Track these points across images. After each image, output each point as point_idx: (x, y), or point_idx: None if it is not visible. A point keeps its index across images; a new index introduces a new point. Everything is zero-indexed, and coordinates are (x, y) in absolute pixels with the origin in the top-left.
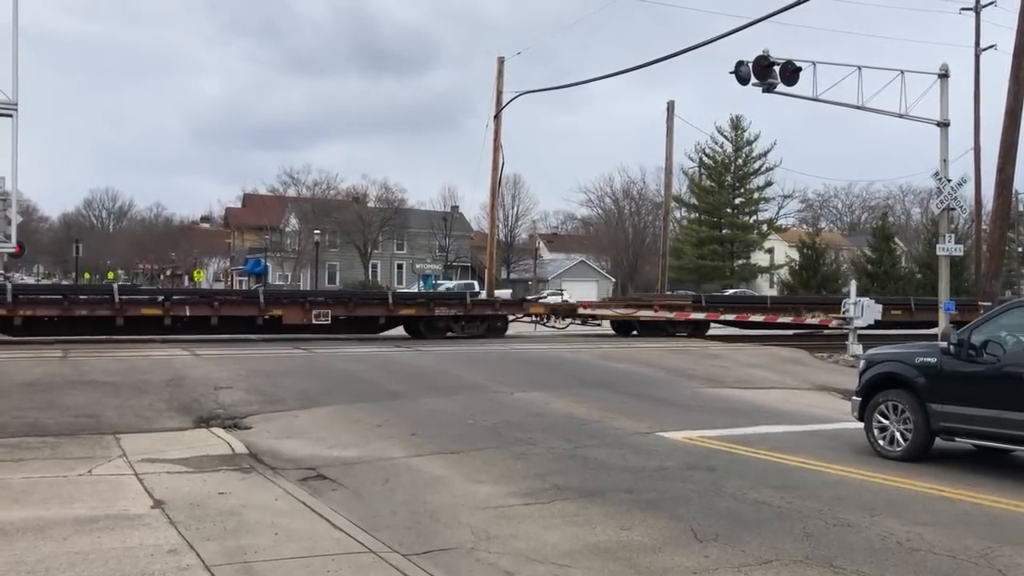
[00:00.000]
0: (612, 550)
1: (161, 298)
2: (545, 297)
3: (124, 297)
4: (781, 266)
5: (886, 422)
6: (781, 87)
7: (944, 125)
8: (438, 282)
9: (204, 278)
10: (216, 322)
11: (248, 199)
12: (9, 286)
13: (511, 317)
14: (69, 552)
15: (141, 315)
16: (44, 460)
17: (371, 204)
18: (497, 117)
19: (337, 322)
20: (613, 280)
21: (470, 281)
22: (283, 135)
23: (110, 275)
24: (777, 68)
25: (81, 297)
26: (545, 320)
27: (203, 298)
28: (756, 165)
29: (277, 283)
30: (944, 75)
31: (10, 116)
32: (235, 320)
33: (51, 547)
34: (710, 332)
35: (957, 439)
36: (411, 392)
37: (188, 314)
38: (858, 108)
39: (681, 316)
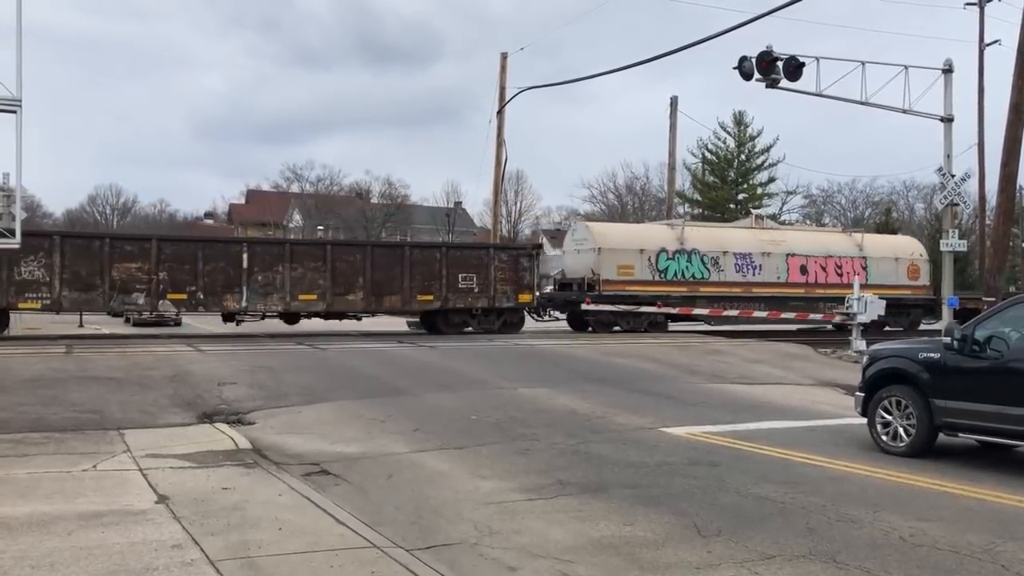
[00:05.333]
0: (615, 545)
1: None
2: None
3: None
4: None
5: (889, 418)
6: (784, 83)
7: (948, 120)
8: None
9: None
10: None
11: (251, 195)
12: None
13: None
14: (73, 547)
15: None
16: (48, 456)
17: (374, 200)
18: (500, 113)
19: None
20: None
21: None
22: (286, 130)
23: None
24: (780, 64)
25: None
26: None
27: None
28: (759, 161)
29: None
30: (948, 70)
31: (14, 112)
32: None
33: (56, 542)
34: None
35: (960, 435)
36: (414, 388)
37: None
38: (862, 104)
39: (684, 311)
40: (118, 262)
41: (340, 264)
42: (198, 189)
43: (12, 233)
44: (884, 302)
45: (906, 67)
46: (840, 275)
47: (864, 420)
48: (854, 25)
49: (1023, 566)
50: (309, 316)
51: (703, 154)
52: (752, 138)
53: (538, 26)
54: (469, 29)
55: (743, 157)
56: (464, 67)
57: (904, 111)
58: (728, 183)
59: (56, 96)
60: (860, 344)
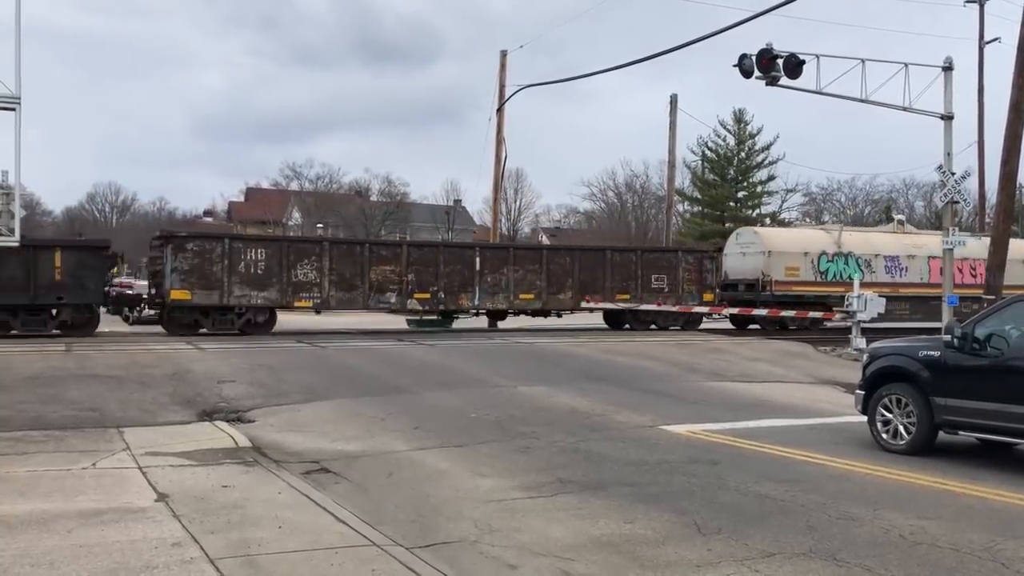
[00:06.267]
0: (615, 543)
1: None
2: None
3: None
4: None
5: (890, 416)
6: (784, 80)
7: (948, 118)
8: None
9: None
10: None
11: (251, 193)
12: None
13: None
14: (73, 545)
15: None
16: (48, 453)
17: (374, 198)
18: (500, 111)
19: None
20: None
21: None
22: (285, 128)
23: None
24: (780, 61)
25: None
26: None
27: None
28: (759, 158)
29: None
30: (948, 68)
31: (13, 110)
32: None
33: (55, 540)
34: (710, 326)
35: (961, 433)
36: (414, 386)
37: None
38: (862, 101)
39: (684, 310)
40: (375, 265)
41: (553, 266)
42: (197, 188)
43: (11, 231)
44: (884, 300)
45: (906, 65)
46: (975, 276)
47: (864, 418)
48: (854, 24)
49: (1023, 564)
50: (529, 314)
51: (703, 152)
52: (752, 136)
53: (538, 25)
54: (468, 28)
55: (743, 155)
56: (464, 66)
57: (904, 109)
58: (728, 181)
59: (56, 95)
60: (860, 342)
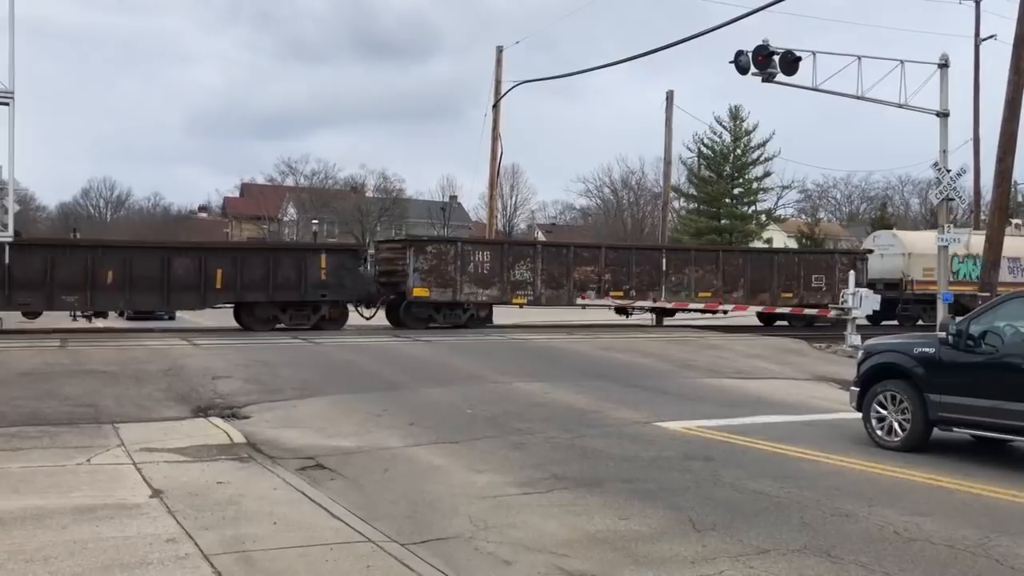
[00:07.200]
0: (610, 539)
1: None
2: None
3: None
4: None
5: (884, 412)
6: (781, 77)
7: (944, 115)
8: None
9: None
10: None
11: (246, 189)
12: None
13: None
14: (68, 541)
15: None
16: (43, 449)
17: (369, 194)
18: (496, 107)
19: None
20: None
21: None
22: (281, 124)
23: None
24: (777, 58)
25: None
26: None
27: None
28: (755, 155)
29: None
30: (944, 65)
31: (7, 104)
32: None
33: (50, 536)
34: (709, 322)
35: (955, 429)
36: (410, 382)
37: None
38: (858, 98)
39: (679, 306)
40: (578, 266)
41: (728, 267)
42: (192, 183)
43: (5, 227)
44: (879, 297)
45: (902, 62)
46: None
47: (859, 415)
48: (851, 20)
49: (1017, 560)
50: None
51: (699, 148)
52: (748, 132)
53: (535, 20)
54: (465, 23)
55: (739, 151)
56: (460, 61)
57: (900, 106)
58: (724, 177)
59: (50, 90)
60: (855, 339)
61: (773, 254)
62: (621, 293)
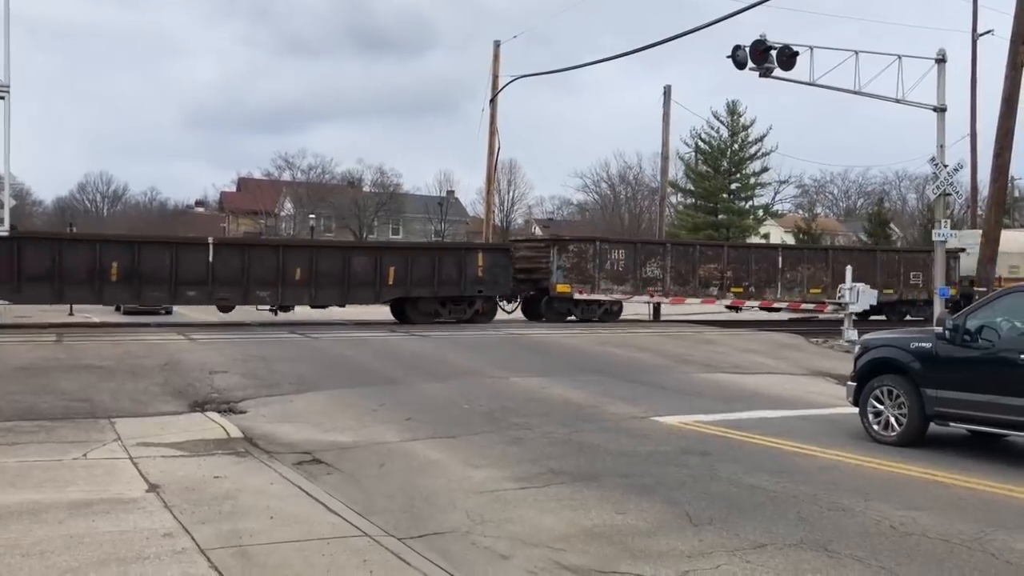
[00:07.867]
0: (607, 534)
1: None
2: None
3: None
4: None
5: (881, 407)
6: (778, 72)
7: (941, 110)
8: None
9: None
10: None
11: (243, 183)
12: None
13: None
14: (64, 536)
15: None
16: (39, 444)
17: (366, 189)
18: (493, 101)
19: None
20: None
21: None
22: (278, 119)
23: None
24: (774, 53)
25: None
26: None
27: None
28: (752, 150)
29: None
30: (941, 60)
31: (2, 99)
32: None
33: (46, 531)
34: (707, 318)
35: (951, 424)
36: (408, 377)
37: None
38: (855, 93)
39: (676, 301)
40: (702, 263)
41: (836, 265)
42: (189, 178)
43: (1, 221)
44: (875, 292)
45: (899, 57)
46: None
47: (856, 410)
48: (849, 15)
49: (1012, 554)
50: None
51: (696, 144)
52: (745, 128)
53: (533, 15)
54: (463, 18)
55: (736, 147)
56: (458, 56)
57: (897, 101)
58: (721, 173)
59: (46, 84)
60: (851, 334)
61: (875, 253)
62: (741, 289)
